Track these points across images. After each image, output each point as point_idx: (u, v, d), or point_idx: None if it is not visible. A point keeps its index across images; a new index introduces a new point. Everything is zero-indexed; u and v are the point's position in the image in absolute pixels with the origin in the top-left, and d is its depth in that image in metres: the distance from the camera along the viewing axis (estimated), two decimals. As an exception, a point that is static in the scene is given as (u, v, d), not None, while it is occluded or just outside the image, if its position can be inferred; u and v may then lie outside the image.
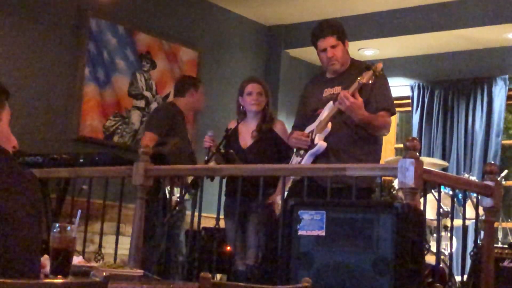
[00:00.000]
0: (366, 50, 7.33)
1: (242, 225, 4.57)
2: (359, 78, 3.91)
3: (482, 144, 6.82)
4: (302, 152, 4.05)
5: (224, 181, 4.24)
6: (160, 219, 4.28)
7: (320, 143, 3.96)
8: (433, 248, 4.32)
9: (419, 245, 2.97)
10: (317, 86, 4.21)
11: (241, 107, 4.78)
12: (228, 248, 4.79)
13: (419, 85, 7.30)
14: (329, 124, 3.96)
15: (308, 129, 4.08)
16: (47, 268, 2.18)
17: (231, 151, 4.54)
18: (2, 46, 5.60)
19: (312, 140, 4.00)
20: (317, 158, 3.99)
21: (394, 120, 4.43)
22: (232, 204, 4.44)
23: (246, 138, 4.73)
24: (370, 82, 3.90)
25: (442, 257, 5.00)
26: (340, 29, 4.13)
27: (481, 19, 6.57)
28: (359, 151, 3.98)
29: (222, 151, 4.54)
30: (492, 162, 6.22)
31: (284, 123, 4.91)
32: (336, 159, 3.92)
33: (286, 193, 4.02)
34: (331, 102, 3.98)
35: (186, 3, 6.92)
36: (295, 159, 4.10)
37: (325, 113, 3.98)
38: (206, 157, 4.59)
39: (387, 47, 7.25)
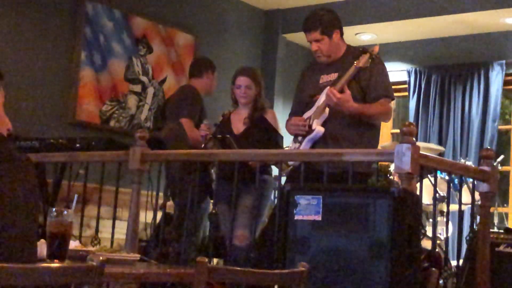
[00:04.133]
0: (363, 35, 7.32)
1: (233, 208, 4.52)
2: (355, 63, 3.91)
3: (479, 129, 6.83)
4: (300, 138, 4.05)
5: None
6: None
7: (318, 128, 3.96)
8: (429, 232, 4.33)
9: (415, 230, 2.98)
10: (314, 73, 4.21)
11: (234, 96, 4.84)
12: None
13: (415, 70, 7.29)
14: (327, 110, 3.97)
15: (306, 115, 4.08)
16: (44, 253, 2.18)
17: (228, 136, 4.55)
18: (-2, 30, 5.58)
19: (310, 126, 4.00)
20: (315, 144, 3.99)
21: (391, 105, 4.55)
22: (222, 188, 4.43)
23: (238, 125, 4.77)
24: (367, 66, 3.90)
25: (438, 241, 5.02)
26: (325, 22, 4.08)
27: (478, 3, 6.56)
28: (356, 136, 3.98)
29: (219, 136, 4.55)
30: (489, 147, 6.22)
31: (275, 113, 4.91)
32: (334, 144, 3.93)
33: (284, 178, 4.02)
34: (327, 87, 3.98)
35: (182, -13, 6.89)
36: (293, 145, 4.11)
37: (322, 99, 3.99)
38: (202, 145, 4.61)
39: (384, 32, 7.24)
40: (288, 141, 4.38)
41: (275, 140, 4.73)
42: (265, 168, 4.59)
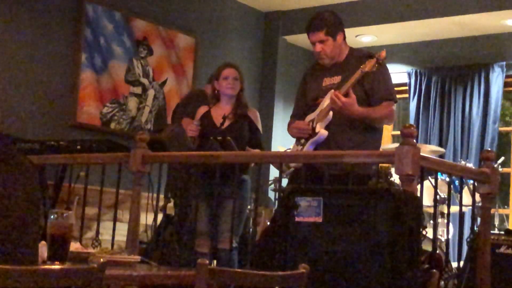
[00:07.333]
0: (364, 36, 7.32)
1: (215, 208, 4.48)
2: (361, 67, 3.90)
3: (479, 131, 6.83)
4: (303, 140, 4.05)
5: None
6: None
7: (322, 132, 3.96)
8: (430, 234, 4.33)
9: (416, 231, 2.98)
10: (317, 75, 4.20)
11: (215, 91, 4.80)
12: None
13: (416, 72, 7.29)
14: (331, 113, 3.96)
15: (309, 118, 4.08)
16: (45, 255, 2.18)
17: (228, 138, 4.53)
18: (-2, 32, 5.58)
19: (313, 129, 3.99)
20: (318, 147, 3.99)
21: (391, 106, 4.60)
22: (207, 186, 4.42)
23: (220, 120, 4.74)
24: (373, 70, 3.89)
25: (438, 243, 5.02)
26: (330, 23, 4.09)
27: (478, 5, 6.56)
28: (359, 139, 3.98)
29: (219, 138, 4.54)
30: (489, 148, 6.23)
31: (257, 113, 4.89)
32: (337, 147, 3.92)
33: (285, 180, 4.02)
34: (332, 91, 3.97)
35: (183, -11, 6.90)
36: (295, 148, 4.10)
37: (326, 102, 3.98)
38: (192, 145, 4.61)
39: (384, 33, 7.24)
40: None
41: (258, 139, 4.72)
42: (244, 169, 4.56)
